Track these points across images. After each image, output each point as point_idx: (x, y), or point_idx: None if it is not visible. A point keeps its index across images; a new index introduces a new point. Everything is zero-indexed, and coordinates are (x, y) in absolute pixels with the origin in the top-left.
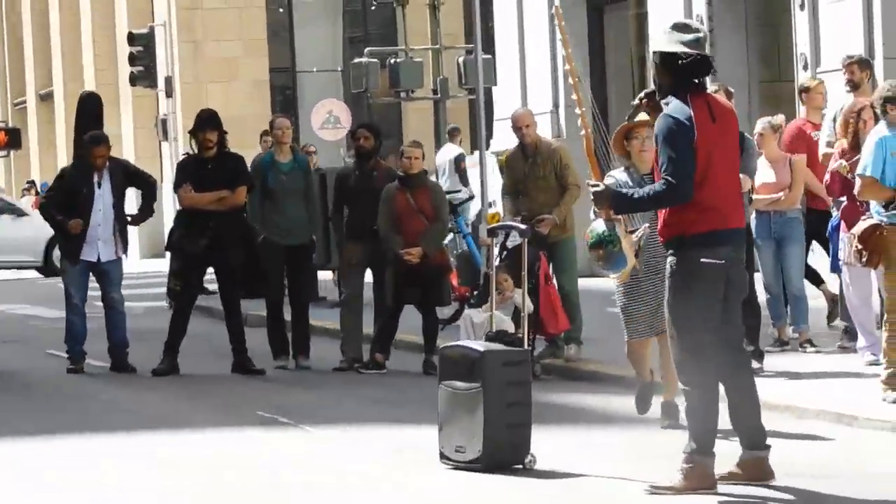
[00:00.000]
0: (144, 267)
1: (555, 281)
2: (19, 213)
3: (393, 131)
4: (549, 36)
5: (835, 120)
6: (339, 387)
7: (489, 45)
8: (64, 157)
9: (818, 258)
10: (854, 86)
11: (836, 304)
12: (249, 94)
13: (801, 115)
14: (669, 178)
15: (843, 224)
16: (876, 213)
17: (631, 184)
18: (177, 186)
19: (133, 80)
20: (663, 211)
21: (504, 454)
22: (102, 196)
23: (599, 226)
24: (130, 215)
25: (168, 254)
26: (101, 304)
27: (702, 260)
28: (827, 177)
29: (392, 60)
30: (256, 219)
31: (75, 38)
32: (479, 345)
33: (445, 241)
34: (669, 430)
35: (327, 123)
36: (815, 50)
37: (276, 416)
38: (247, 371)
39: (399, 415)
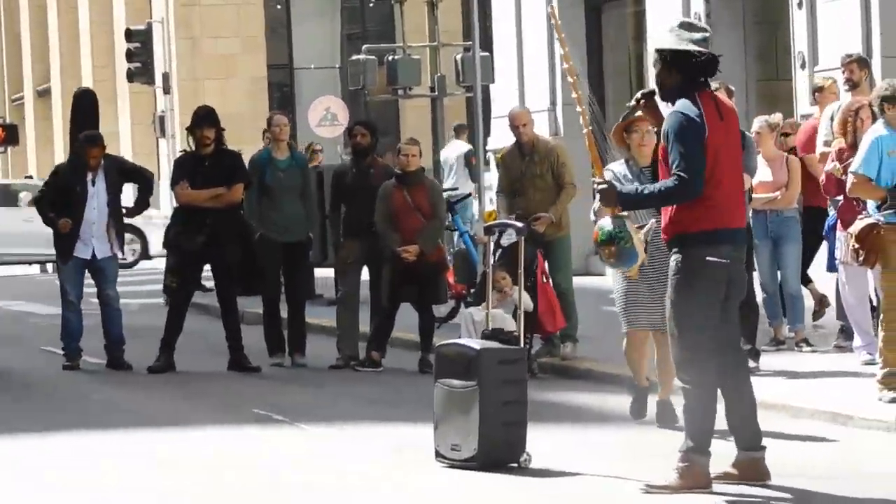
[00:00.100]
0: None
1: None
2: None
3: (390, 129)
4: (547, 34)
5: (832, 119)
6: (336, 384)
7: (487, 43)
8: (61, 154)
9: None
10: (853, 85)
11: (823, 305)
12: (247, 91)
13: (815, 114)
14: (682, 174)
15: (839, 223)
16: (873, 213)
17: (630, 177)
18: (174, 183)
19: (130, 76)
20: (669, 208)
21: (500, 452)
22: (97, 194)
23: (608, 223)
24: (126, 207)
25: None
26: (97, 301)
27: (707, 258)
28: (822, 177)
29: (390, 58)
30: (253, 216)
31: (73, 34)
32: (476, 343)
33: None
34: (664, 430)
35: (325, 120)
36: (812, 48)
37: (272, 413)
38: (243, 368)
39: (395, 413)
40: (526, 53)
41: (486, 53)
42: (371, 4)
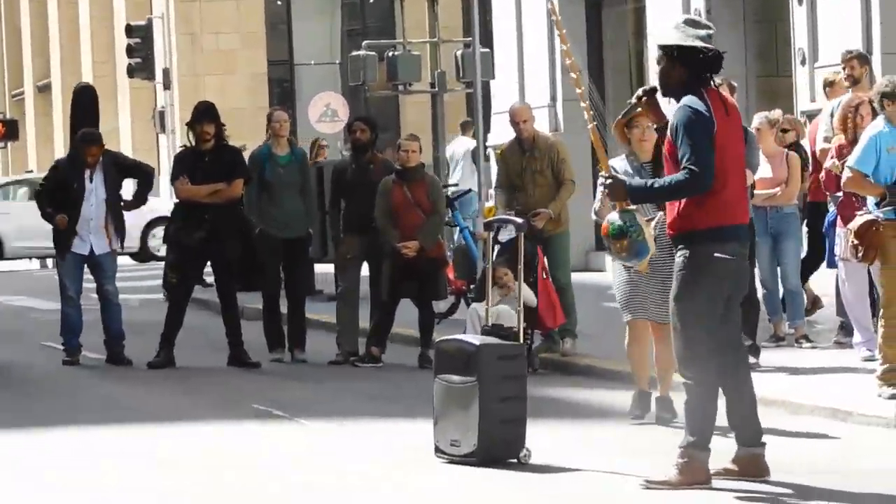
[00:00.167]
0: None
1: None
2: None
3: (391, 125)
4: (547, 30)
5: (832, 115)
6: (335, 380)
7: (487, 39)
8: (61, 149)
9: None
10: (853, 81)
11: (816, 306)
12: (247, 87)
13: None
14: (692, 168)
15: (839, 219)
16: (872, 209)
17: (631, 172)
18: (174, 179)
19: (131, 72)
20: (676, 204)
21: (499, 448)
22: (94, 191)
23: (616, 217)
24: (124, 201)
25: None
26: (97, 296)
27: (715, 255)
28: (822, 173)
29: (390, 53)
30: (253, 211)
31: (73, 29)
32: (475, 338)
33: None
34: (664, 426)
35: (325, 116)
36: (812, 45)
37: (272, 409)
38: (243, 364)
39: (394, 409)
40: (526, 49)
41: (487, 49)
42: (371, 0)
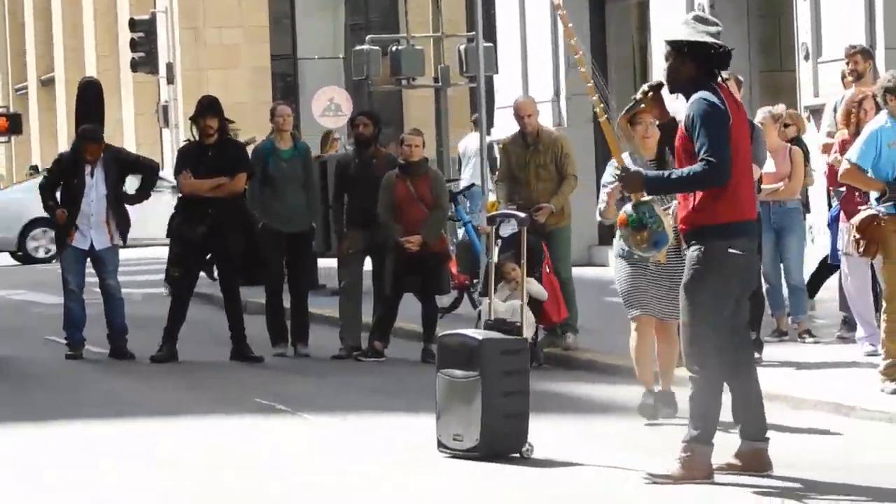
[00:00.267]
0: None
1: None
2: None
3: (394, 119)
4: (551, 24)
5: (835, 110)
6: (338, 374)
7: (490, 34)
8: (64, 143)
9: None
10: (857, 76)
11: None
12: (250, 81)
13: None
14: (711, 159)
15: (842, 214)
16: (874, 204)
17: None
18: (177, 173)
19: (134, 66)
20: (691, 198)
21: (502, 443)
22: (95, 186)
23: (635, 209)
24: (127, 195)
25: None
26: (99, 290)
27: (729, 250)
28: (825, 168)
29: (393, 48)
30: (256, 206)
31: (76, 23)
32: (478, 333)
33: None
34: (666, 420)
35: (328, 111)
36: (816, 40)
37: (275, 403)
38: (245, 358)
39: (397, 403)
40: (529, 44)
41: (490, 44)
42: None
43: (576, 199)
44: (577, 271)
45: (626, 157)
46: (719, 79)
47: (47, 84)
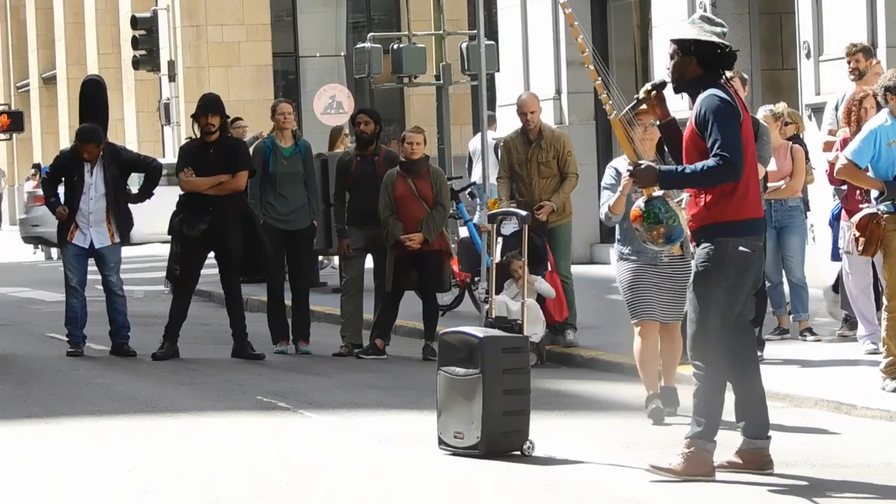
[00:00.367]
0: None
1: None
2: None
3: (395, 117)
4: (553, 22)
5: (836, 108)
6: (339, 372)
7: (492, 32)
8: (66, 140)
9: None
10: (858, 74)
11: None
12: (252, 79)
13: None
14: (725, 154)
15: (843, 212)
16: (874, 202)
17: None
18: (178, 171)
19: (136, 64)
20: (702, 196)
21: (502, 440)
22: (94, 184)
23: (648, 204)
24: (130, 194)
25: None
26: (101, 287)
27: (739, 248)
28: (827, 166)
29: (395, 46)
30: (257, 204)
31: (78, 21)
32: (479, 331)
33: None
34: (668, 417)
35: (330, 109)
36: (818, 38)
37: (276, 400)
38: (247, 356)
39: (398, 401)
40: (531, 42)
41: (492, 42)
42: None
43: (577, 197)
44: (578, 269)
45: (624, 159)
46: (723, 78)
47: (49, 81)
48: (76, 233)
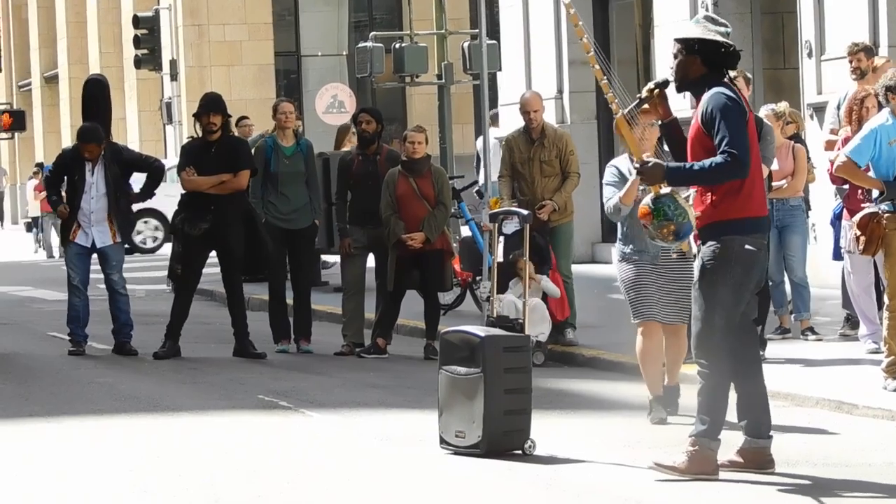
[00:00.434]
0: None
1: None
2: None
3: (397, 116)
4: (554, 21)
5: (838, 107)
6: (341, 371)
7: (494, 31)
8: (68, 139)
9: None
10: (860, 74)
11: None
12: (254, 78)
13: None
14: (733, 151)
15: (845, 212)
16: (874, 202)
17: (633, 171)
18: (180, 170)
19: (138, 63)
20: (709, 194)
21: (504, 440)
22: (95, 184)
23: (657, 203)
24: (131, 194)
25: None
26: (103, 286)
27: (746, 246)
28: (828, 165)
29: (397, 45)
30: (258, 203)
31: (80, 20)
32: (480, 330)
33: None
34: (670, 416)
35: (331, 108)
36: (819, 37)
37: (277, 399)
38: (248, 355)
39: (400, 400)
40: (533, 41)
41: (493, 41)
42: None
43: (578, 196)
44: (580, 268)
45: (624, 158)
46: (727, 78)
47: (51, 80)
48: (78, 232)
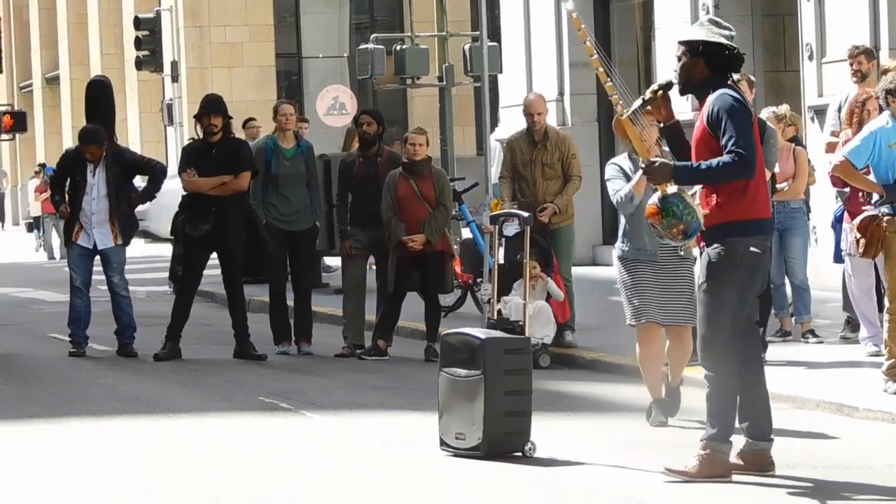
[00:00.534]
0: None
1: None
2: None
3: (398, 118)
4: (556, 23)
5: (839, 110)
6: (341, 373)
7: (495, 33)
8: (69, 141)
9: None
10: (861, 76)
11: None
12: (255, 80)
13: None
14: (740, 151)
15: (846, 214)
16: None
17: (635, 170)
18: (181, 171)
19: (139, 64)
20: (714, 196)
21: (504, 442)
22: (96, 185)
23: (665, 202)
24: (132, 195)
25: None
26: (105, 288)
27: (751, 248)
28: (829, 167)
29: (398, 47)
30: (259, 204)
31: (81, 21)
32: (480, 332)
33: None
34: (671, 418)
35: (332, 109)
36: (820, 40)
37: (278, 401)
38: (249, 356)
39: (400, 402)
40: (534, 43)
41: (494, 43)
42: None
43: (579, 199)
44: (581, 271)
45: (624, 158)
46: (731, 80)
47: (52, 82)
48: (80, 233)
